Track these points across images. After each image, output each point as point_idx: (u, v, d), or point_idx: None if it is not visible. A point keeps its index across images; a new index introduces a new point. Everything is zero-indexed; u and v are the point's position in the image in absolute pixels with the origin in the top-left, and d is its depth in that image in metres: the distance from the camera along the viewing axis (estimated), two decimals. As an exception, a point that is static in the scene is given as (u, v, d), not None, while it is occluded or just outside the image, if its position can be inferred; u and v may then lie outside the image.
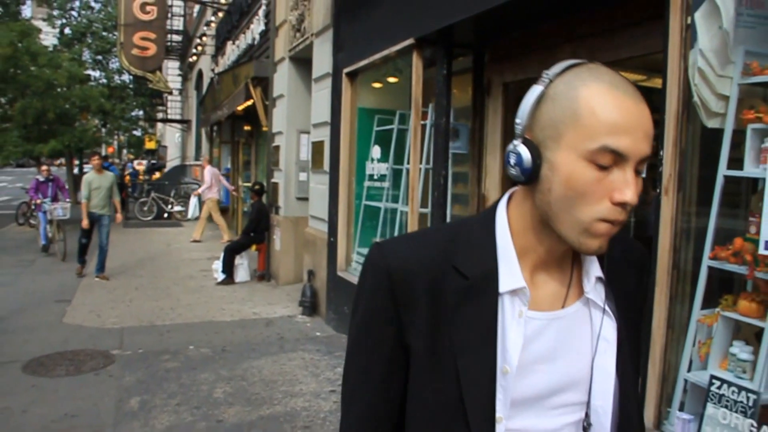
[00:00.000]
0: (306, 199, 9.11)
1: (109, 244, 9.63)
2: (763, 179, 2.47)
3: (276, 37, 9.88)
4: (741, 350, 2.58)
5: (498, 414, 1.00)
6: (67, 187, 12.55)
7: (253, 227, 9.96)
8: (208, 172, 14.54)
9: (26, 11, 26.13)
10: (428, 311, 1.03)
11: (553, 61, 0.99)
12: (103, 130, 26.38)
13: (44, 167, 12.44)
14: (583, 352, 1.05)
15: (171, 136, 34.70)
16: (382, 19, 5.89)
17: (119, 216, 10.36)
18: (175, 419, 4.41)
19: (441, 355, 1.01)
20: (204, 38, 17.73)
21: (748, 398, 2.47)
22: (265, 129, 10.69)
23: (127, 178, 23.50)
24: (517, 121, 0.99)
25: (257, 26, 11.63)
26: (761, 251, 2.42)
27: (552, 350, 1.04)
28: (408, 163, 5.77)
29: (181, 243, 14.02)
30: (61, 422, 4.39)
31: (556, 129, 0.94)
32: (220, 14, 15.28)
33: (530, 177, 0.97)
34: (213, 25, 16.36)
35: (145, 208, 18.71)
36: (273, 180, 10.19)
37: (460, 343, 1.00)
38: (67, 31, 24.53)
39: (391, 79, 6.45)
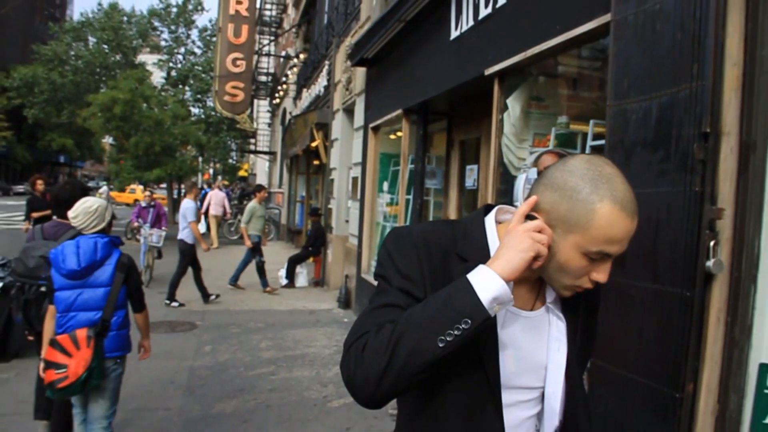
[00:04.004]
0: (351, 221, 11.49)
1: None
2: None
3: (335, 91, 12.37)
4: None
5: None
6: (166, 211, 13.97)
7: (311, 243, 12.42)
8: (215, 195, 19.19)
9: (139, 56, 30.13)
10: (442, 278, 1.29)
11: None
12: (200, 159, 29.87)
13: (146, 193, 13.18)
14: (542, 347, 1.35)
15: (261, 166, 38.01)
16: (387, 92, 8.25)
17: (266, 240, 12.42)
18: (231, 355, 6.85)
19: None
20: (285, 85, 20.67)
21: None
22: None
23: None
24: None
25: (323, 81, 14.21)
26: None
27: (519, 341, 1.33)
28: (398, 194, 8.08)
29: (258, 257, 16.68)
30: (162, 354, 6.85)
31: (568, 225, 1.23)
32: (296, 69, 18.11)
33: None
34: (291, 76, 19.25)
35: (233, 229, 21.62)
36: (329, 206, 12.64)
37: None
38: (173, 73, 28.26)
39: (399, 133, 8.76)
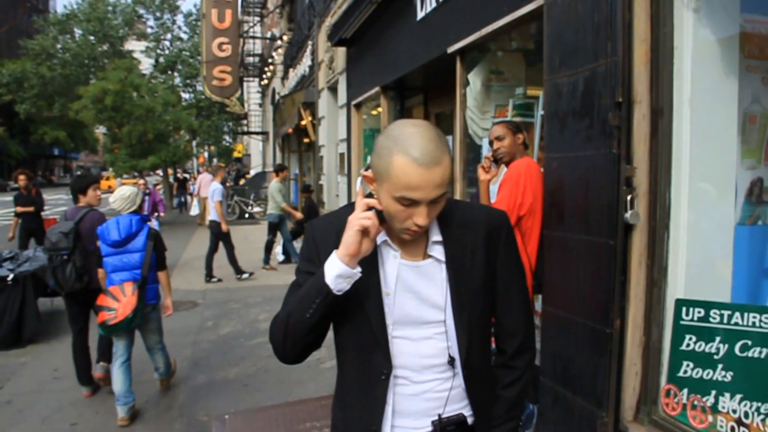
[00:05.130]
0: (341, 195, 11.87)
1: None
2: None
3: (319, 71, 12.68)
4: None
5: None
6: (163, 198, 14.07)
7: (305, 218, 12.81)
8: (204, 177, 19.66)
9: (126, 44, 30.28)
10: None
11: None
12: (194, 143, 30.17)
13: (140, 181, 13.27)
14: (436, 287, 1.66)
15: (255, 146, 38.32)
16: (366, 70, 8.60)
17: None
18: (232, 328, 7.31)
19: None
20: (272, 66, 20.92)
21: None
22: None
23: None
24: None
25: (307, 61, 14.50)
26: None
27: (415, 286, 1.65)
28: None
29: (256, 236, 17.07)
30: (167, 332, 7.23)
31: (380, 177, 1.52)
32: (281, 50, 18.37)
33: None
34: (277, 57, 19.51)
35: (230, 210, 22.03)
36: (320, 182, 13.03)
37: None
38: (161, 60, 28.46)
39: (380, 109, 9.12)
